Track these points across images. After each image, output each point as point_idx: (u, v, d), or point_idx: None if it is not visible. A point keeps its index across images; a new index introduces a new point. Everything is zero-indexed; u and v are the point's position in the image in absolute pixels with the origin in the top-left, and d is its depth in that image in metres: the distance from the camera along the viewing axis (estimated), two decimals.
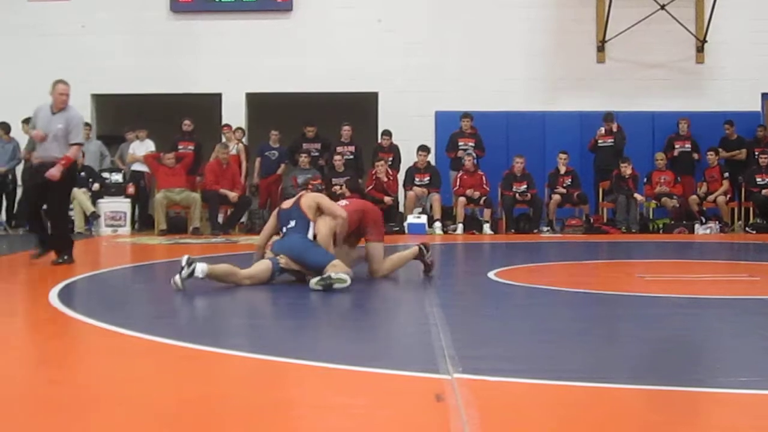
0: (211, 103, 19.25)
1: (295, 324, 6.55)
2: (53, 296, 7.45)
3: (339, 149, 18.06)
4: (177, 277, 7.68)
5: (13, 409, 4.03)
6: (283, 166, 18.52)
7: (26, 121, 18.38)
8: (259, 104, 19.94)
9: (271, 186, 18.44)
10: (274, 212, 9.01)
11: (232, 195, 16.84)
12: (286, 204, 8.76)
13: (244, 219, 17.98)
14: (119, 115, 20.36)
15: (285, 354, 5.06)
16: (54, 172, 10.49)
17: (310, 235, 8.41)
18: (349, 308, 7.37)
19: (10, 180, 18.33)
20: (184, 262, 7.74)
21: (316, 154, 18.21)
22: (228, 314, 7.22)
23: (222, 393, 4.33)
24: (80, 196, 17.11)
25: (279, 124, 18.90)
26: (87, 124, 18.58)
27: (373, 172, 17.56)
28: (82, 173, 17.61)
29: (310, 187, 9.03)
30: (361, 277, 8.80)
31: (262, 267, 8.26)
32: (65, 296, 7.51)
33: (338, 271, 7.90)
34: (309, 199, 8.60)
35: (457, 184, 17.43)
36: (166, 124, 18.58)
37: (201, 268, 7.76)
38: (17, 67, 19.43)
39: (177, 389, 4.44)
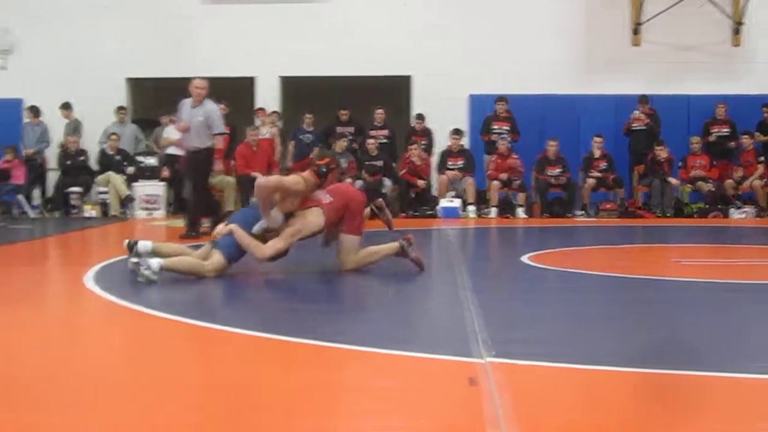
0: (245, 86, 19.29)
1: (331, 308, 6.57)
2: (88, 278, 7.51)
3: (372, 133, 18.07)
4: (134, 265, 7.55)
5: (46, 390, 4.07)
6: (316, 150, 18.51)
7: (64, 106, 18.59)
8: (293, 88, 19.95)
9: (305, 169, 18.43)
10: None
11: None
12: None
13: None
14: (154, 99, 20.44)
15: (321, 337, 5.07)
16: (219, 168, 12.53)
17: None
18: (383, 293, 7.38)
19: (39, 163, 18.44)
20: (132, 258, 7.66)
21: (350, 137, 18.22)
22: (264, 299, 7.24)
23: (258, 376, 4.36)
24: (115, 179, 17.22)
25: (313, 107, 18.93)
26: (122, 108, 18.78)
27: (407, 155, 17.57)
28: (118, 157, 17.74)
29: (319, 164, 8.57)
30: (393, 263, 8.80)
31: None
32: (100, 279, 7.56)
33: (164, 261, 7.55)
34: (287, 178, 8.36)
35: (491, 167, 17.39)
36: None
37: (156, 264, 7.52)
38: (49, 51, 19.52)
39: (212, 372, 4.47)
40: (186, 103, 12.15)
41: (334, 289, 7.41)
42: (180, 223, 12.66)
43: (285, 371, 4.47)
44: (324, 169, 8.25)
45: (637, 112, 17.98)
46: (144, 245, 7.96)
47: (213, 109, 12.10)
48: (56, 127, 18.60)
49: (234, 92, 18.88)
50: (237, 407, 3.78)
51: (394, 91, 19.38)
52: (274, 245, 7.78)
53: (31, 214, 17.10)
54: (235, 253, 7.79)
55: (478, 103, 18.97)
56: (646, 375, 4.28)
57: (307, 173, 8.23)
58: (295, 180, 8.13)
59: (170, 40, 19.38)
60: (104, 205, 17.47)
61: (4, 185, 17.09)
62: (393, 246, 8.28)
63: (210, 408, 3.80)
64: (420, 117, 18.33)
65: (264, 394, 3.97)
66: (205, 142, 11.89)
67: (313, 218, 7.96)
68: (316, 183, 8.18)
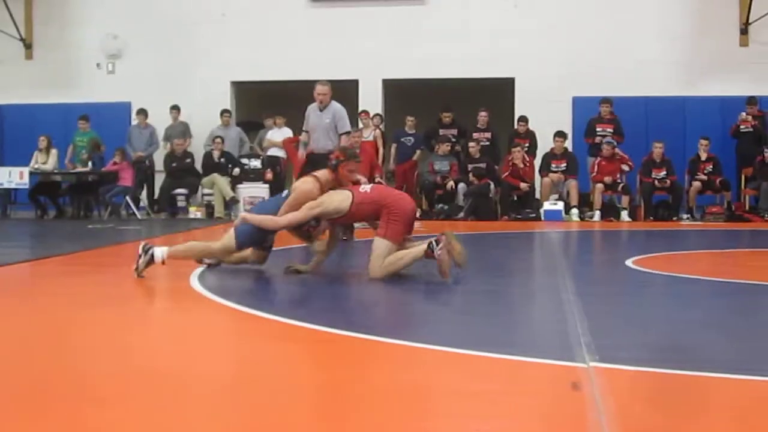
0: (348, 89, 19.38)
1: (429, 309, 6.55)
2: (194, 279, 7.60)
3: (475, 135, 18.03)
4: (135, 267, 7.76)
5: (160, 390, 4.12)
6: (418, 152, 18.60)
7: (174, 107, 18.95)
8: (396, 90, 20.01)
9: (407, 172, 18.54)
10: None
11: (363, 180, 16.82)
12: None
13: None
14: (258, 101, 20.67)
15: (419, 339, 5.06)
16: None
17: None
18: (483, 294, 7.33)
19: (148, 165, 18.84)
20: (140, 250, 7.82)
21: (453, 140, 18.19)
22: (362, 300, 7.24)
23: (357, 377, 4.36)
24: (220, 181, 17.45)
25: (415, 110, 18.95)
26: (227, 111, 19.01)
27: (510, 158, 17.48)
28: (222, 159, 17.98)
29: (330, 158, 8.33)
30: (495, 264, 8.75)
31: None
32: (205, 279, 7.65)
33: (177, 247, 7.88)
34: (299, 182, 8.11)
35: (595, 170, 17.19)
36: (303, 111, 18.75)
37: (160, 252, 7.83)
38: (158, 54, 19.90)
39: (313, 373, 4.48)
40: (312, 108, 12.31)
41: (433, 291, 7.38)
42: None
43: (383, 372, 4.46)
44: (335, 162, 8.09)
45: (744, 114, 17.64)
46: (160, 251, 7.88)
47: (339, 110, 12.25)
48: (162, 129, 18.98)
49: (337, 95, 18.95)
50: (335, 408, 3.78)
51: (496, 93, 19.30)
52: (292, 216, 7.73)
53: (139, 215, 17.44)
54: (246, 239, 7.94)
55: (581, 105, 18.80)
56: (757, 383, 4.17)
57: (320, 171, 8.11)
58: (304, 191, 7.91)
59: (274, 43, 19.61)
60: (209, 207, 17.73)
61: (113, 187, 17.45)
62: (421, 249, 7.66)
63: (310, 409, 3.80)
64: (523, 119, 18.22)
65: (363, 396, 3.96)
66: (334, 143, 11.96)
67: (338, 197, 7.78)
68: (332, 178, 8.05)
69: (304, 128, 12.47)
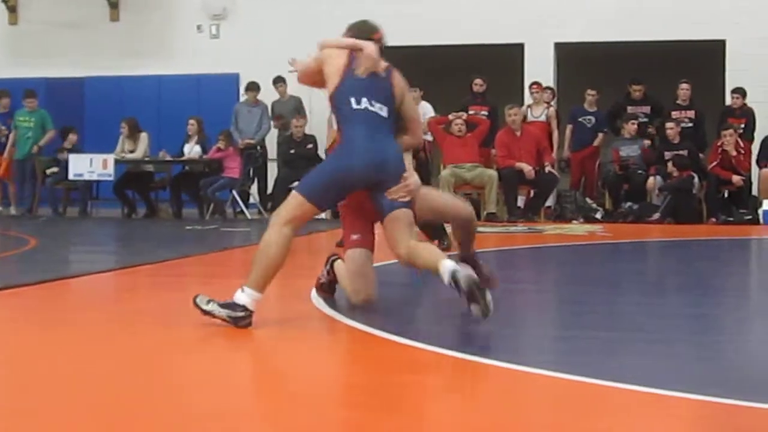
0: (511, 56, 19.32)
1: (616, 337, 6.46)
2: (316, 295, 7.68)
3: (674, 114, 17.79)
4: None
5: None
6: (601, 135, 18.42)
7: (279, 80, 18.94)
8: (572, 57, 19.88)
9: (586, 161, 18.40)
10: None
11: (527, 169, 16.74)
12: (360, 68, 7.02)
13: (551, 203, 17.96)
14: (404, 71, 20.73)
15: (606, 376, 4.98)
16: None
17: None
18: (686, 319, 7.22)
19: (259, 153, 18.99)
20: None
21: (645, 119, 17.99)
22: (523, 324, 7.18)
23: (528, 420, 4.33)
24: None
25: (597, 82, 18.80)
26: None
27: (719, 143, 17.18)
28: None
29: None
30: (700, 280, 8.60)
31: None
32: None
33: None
34: (401, 80, 7.05)
35: None
36: (452, 83, 18.75)
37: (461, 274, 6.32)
38: (274, 14, 20.09)
39: (473, 412, 4.46)
40: None
41: (620, 313, 7.30)
42: None
43: (562, 416, 4.41)
44: None
45: None
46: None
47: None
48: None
49: (496, 63, 18.96)
50: None
51: (701, 60, 19.04)
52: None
53: (248, 214, 17.61)
54: None
55: None
56: None
57: None
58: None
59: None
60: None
61: (216, 179, 17.56)
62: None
63: None
64: (738, 92, 17.88)
65: None
66: None
67: None
68: None
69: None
